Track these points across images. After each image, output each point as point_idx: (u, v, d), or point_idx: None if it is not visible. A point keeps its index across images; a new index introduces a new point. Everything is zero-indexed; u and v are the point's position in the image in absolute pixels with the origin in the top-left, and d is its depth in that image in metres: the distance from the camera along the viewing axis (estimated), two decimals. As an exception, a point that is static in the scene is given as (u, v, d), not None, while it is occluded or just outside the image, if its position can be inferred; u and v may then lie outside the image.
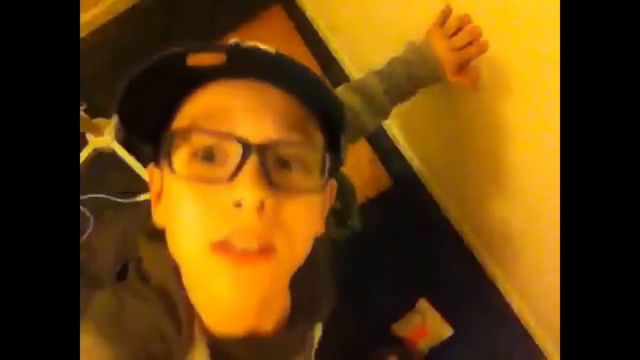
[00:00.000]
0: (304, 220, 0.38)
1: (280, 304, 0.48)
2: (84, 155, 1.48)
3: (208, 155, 0.37)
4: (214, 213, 0.36)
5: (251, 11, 1.61)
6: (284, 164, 0.38)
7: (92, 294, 0.44)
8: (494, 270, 1.39)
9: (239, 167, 0.35)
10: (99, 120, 1.48)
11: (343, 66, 1.56)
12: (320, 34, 1.59)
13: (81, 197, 1.48)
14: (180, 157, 0.38)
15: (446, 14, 0.75)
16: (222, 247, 0.36)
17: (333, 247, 0.61)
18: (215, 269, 0.36)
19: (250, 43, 0.39)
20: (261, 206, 0.35)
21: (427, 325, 1.34)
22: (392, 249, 1.43)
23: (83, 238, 1.47)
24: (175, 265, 0.42)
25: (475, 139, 0.99)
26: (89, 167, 1.51)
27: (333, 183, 0.48)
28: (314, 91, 0.39)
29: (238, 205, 0.35)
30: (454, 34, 0.73)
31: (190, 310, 0.43)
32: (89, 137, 1.48)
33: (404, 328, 1.35)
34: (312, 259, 0.42)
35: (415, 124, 1.35)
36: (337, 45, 1.56)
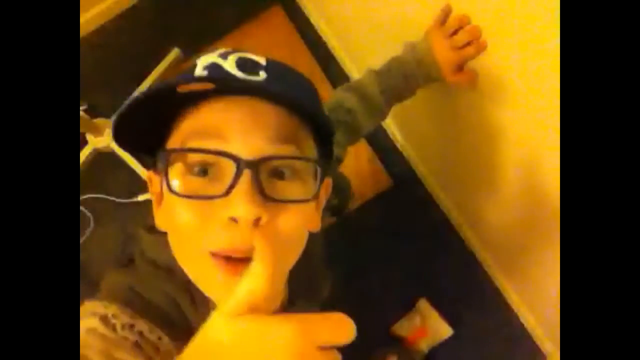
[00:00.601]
0: (298, 226, 0.40)
1: (279, 296, 0.51)
2: (84, 155, 1.48)
3: (203, 171, 0.38)
4: (212, 227, 0.37)
5: (251, 11, 1.61)
6: (278, 174, 0.39)
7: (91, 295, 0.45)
8: (494, 270, 1.40)
9: (233, 184, 0.36)
10: (99, 120, 1.48)
11: (343, 66, 1.56)
12: (320, 33, 1.59)
13: (81, 197, 1.48)
14: (176, 170, 0.39)
15: (446, 13, 0.75)
16: (223, 257, 0.38)
17: (326, 236, 0.64)
18: (214, 276, 0.38)
19: (240, 55, 0.40)
20: (257, 221, 0.36)
21: (427, 325, 1.34)
22: (392, 249, 1.43)
23: (83, 238, 1.47)
24: None
25: (475, 139, 0.99)
26: (89, 167, 1.51)
27: (328, 180, 0.49)
28: (304, 102, 0.40)
29: (234, 220, 0.36)
30: (454, 33, 0.73)
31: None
32: (89, 137, 1.48)
33: (404, 328, 1.35)
34: (307, 251, 0.44)
35: (415, 123, 1.35)
36: (336, 45, 1.55)
